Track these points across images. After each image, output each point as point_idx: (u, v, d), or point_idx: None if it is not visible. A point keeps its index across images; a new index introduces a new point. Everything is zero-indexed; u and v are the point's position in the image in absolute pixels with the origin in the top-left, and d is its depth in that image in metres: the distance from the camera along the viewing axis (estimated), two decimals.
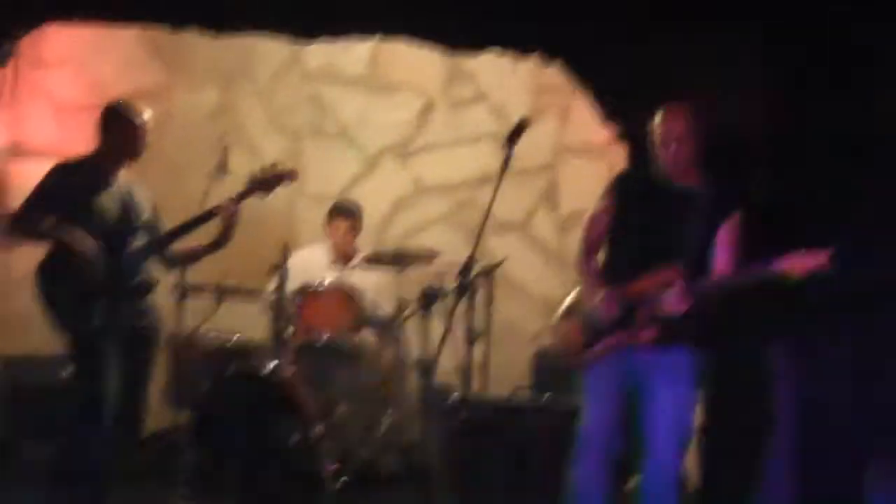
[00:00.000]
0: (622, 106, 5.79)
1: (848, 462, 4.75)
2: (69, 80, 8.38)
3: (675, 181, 4.69)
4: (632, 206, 4.78)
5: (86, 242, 5.31)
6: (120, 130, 5.56)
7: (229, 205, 5.62)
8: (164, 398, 7.23)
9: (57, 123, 8.31)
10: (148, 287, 5.60)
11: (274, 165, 5.83)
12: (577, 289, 4.95)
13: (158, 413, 7.42)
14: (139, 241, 5.60)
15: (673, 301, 4.47)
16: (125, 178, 5.64)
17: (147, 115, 5.59)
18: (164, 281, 6.02)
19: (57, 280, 5.42)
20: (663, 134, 4.66)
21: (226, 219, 5.63)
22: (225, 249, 5.78)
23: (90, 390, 5.34)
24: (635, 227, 4.74)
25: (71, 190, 5.45)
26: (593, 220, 4.91)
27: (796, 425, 4.92)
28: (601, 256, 4.92)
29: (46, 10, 5.85)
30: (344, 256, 7.63)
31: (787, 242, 4.26)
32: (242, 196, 5.71)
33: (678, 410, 4.62)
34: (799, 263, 4.14)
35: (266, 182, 5.79)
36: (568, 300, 4.97)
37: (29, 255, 7.60)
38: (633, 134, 5.77)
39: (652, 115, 4.78)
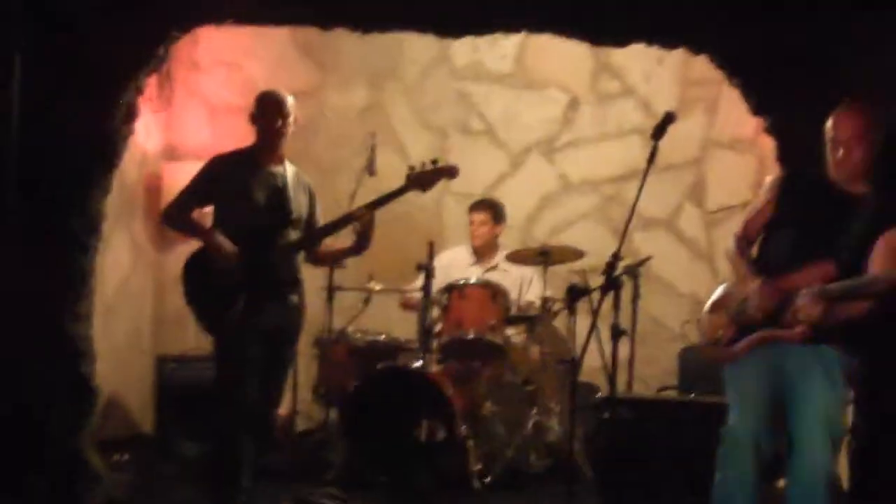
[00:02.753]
0: (773, 97, 5.68)
1: None
2: (222, 82, 8.57)
3: (844, 185, 4.57)
4: (794, 204, 4.67)
5: (222, 242, 5.39)
6: (263, 113, 5.62)
7: (365, 211, 5.60)
8: (313, 397, 7.35)
9: (211, 125, 8.49)
10: (287, 285, 5.63)
11: (433, 161, 5.76)
12: (725, 283, 4.88)
13: (308, 411, 7.56)
14: (292, 235, 5.64)
15: (806, 303, 4.38)
16: (287, 170, 5.69)
17: (288, 98, 5.64)
18: (313, 280, 6.07)
19: (198, 279, 5.51)
20: (835, 136, 4.54)
21: (361, 224, 5.62)
22: (373, 247, 5.79)
23: (229, 389, 5.42)
24: (795, 226, 4.63)
25: (223, 181, 5.54)
26: (754, 212, 4.82)
27: None
28: (755, 250, 4.84)
29: (199, 14, 5.97)
30: (486, 253, 7.65)
31: None
32: (390, 197, 5.67)
33: (828, 408, 4.49)
34: None
35: (423, 179, 5.72)
36: (716, 294, 4.90)
37: (183, 257, 7.84)
38: (783, 126, 5.66)
39: (804, 104, 4.67)
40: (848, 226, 4.47)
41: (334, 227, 5.66)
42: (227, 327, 5.40)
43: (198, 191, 5.57)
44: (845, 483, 5.24)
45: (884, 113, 4.57)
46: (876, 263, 4.41)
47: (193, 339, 7.79)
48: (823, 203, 4.59)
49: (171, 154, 8.38)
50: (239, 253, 5.43)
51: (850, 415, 4.75)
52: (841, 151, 4.51)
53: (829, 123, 4.56)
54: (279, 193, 5.61)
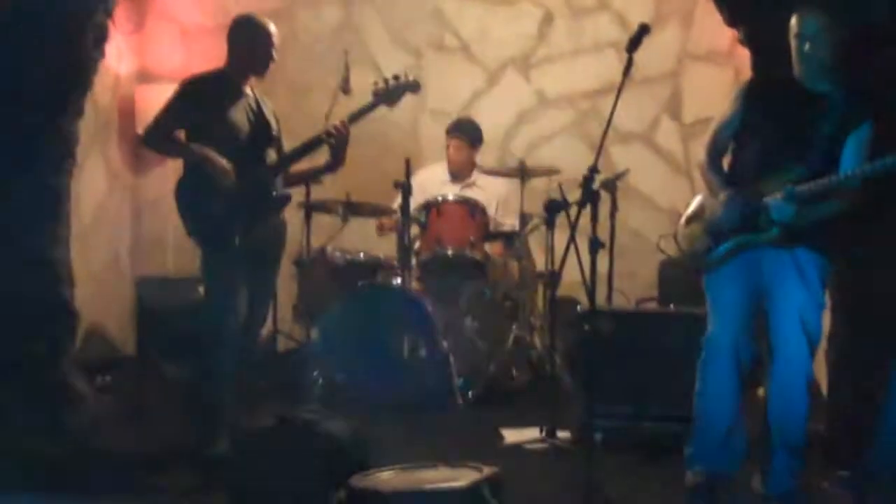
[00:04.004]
0: (747, 8, 5.66)
1: None
2: (193, 3, 8.47)
3: (810, 83, 4.57)
4: (762, 108, 4.69)
5: (218, 159, 5.35)
6: (248, 40, 5.58)
7: (341, 125, 5.61)
8: (293, 316, 7.36)
9: (182, 47, 8.41)
10: (282, 202, 5.63)
11: (396, 77, 5.80)
12: (701, 194, 4.90)
13: (289, 331, 7.57)
14: (272, 156, 5.62)
15: (779, 205, 4.41)
16: (255, 92, 5.67)
17: (272, 26, 5.60)
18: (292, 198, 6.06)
19: (194, 197, 5.46)
20: (800, 31, 4.54)
21: (337, 141, 5.62)
22: (350, 166, 5.78)
23: (222, 307, 5.42)
24: (764, 131, 4.65)
25: (203, 103, 5.48)
26: (722, 121, 4.83)
27: None
28: (727, 160, 4.85)
29: None
30: (460, 173, 7.65)
31: None
32: (360, 114, 5.69)
33: (805, 311, 4.54)
34: None
35: (389, 94, 5.76)
36: (691, 206, 4.92)
37: (160, 179, 7.82)
38: (757, 36, 5.64)
39: (777, 14, 4.67)
40: (817, 127, 4.49)
41: (310, 146, 5.64)
42: (227, 244, 5.37)
43: (177, 112, 5.50)
44: (824, 389, 5.31)
45: (848, 12, 4.58)
46: (847, 162, 4.44)
47: (172, 261, 7.81)
48: (791, 106, 4.60)
49: (144, 77, 8.31)
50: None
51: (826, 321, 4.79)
52: (808, 45, 4.52)
53: (795, 19, 4.56)
54: (257, 114, 5.59)
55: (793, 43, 4.58)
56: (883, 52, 4.94)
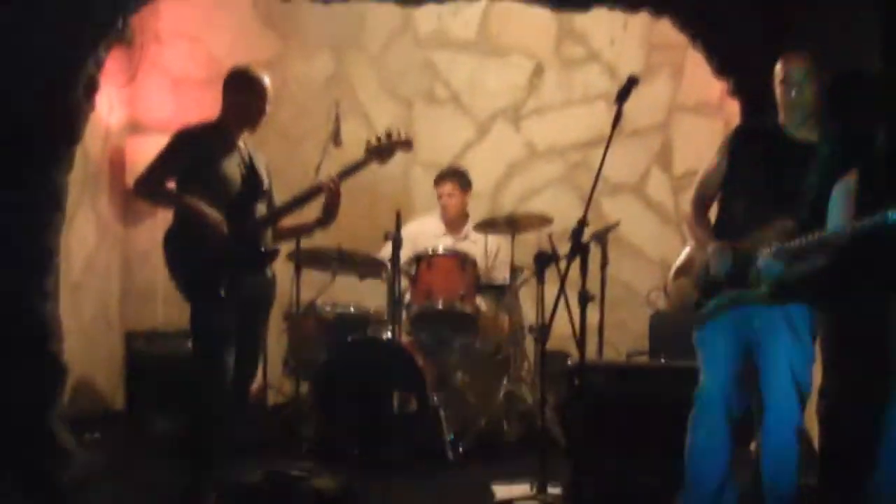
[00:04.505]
0: (736, 58, 5.69)
1: None
2: (184, 54, 8.47)
3: (795, 130, 4.59)
4: (748, 159, 4.70)
5: (210, 212, 5.33)
6: (243, 93, 5.57)
7: (332, 182, 5.60)
8: (283, 370, 7.32)
9: (173, 98, 8.40)
10: (272, 256, 5.61)
11: (388, 135, 5.78)
12: (689, 246, 4.89)
13: (279, 385, 7.53)
14: (261, 209, 5.61)
15: (768, 262, 4.40)
16: (247, 144, 5.65)
17: (267, 79, 5.60)
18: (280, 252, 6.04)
19: (183, 248, 5.44)
20: (787, 77, 4.56)
21: (328, 197, 5.61)
22: (340, 217, 5.76)
23: (211, 361, 5.38)
24: (751, 181, 4.65)
25: (195, 154, 5.46)
26: (708, 173, 4.83)
27: None
28: (714, 212, 4.85)
29: None
30: (455, 222, 7.64)
31: None
32: (351, 171, 5.68)
33: (795, 365, 4.53)
34: None
35: (381, 152, 5.75)
36: (680, 258, 4.91)
37: (150, 231, 7.79)
38: (747, 88, 5.66)
39: (766, 66, 4.69)
40: (803, 178, 4.49)
41: (302, 200, 5.62)
42: (215, 298, 5.33)
43: (169, 162, 5.48)
44: (815, 441, 5.28)
45: (834, 58, 4.60)
46: (834, 213, 4.43)
47: (162, 314, 7.76)
48: (777, 156, 4.61)
49: (135, 128, 8.29)
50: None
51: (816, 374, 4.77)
52: (794, 92, 4.53)
53: (780, 66, 4.58)
54: (249, 167, 5.57)
55: (778, 90, 4.61)
56: (868, 100, 4.96)
